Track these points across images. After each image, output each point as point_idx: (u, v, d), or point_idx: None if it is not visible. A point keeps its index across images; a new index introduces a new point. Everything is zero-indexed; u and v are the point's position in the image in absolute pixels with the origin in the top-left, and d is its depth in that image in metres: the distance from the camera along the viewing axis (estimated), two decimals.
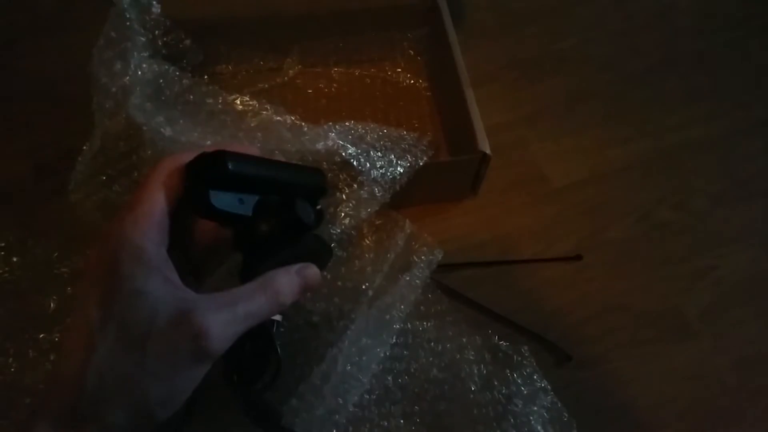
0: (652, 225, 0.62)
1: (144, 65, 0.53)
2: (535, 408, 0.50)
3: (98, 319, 0.28)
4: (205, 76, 0.69)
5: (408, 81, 0.70)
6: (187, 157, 0.33)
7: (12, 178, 0.63)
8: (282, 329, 0.40)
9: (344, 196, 0.51)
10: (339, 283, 0.55)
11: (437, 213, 0.62)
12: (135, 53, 0.53)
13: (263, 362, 0.40)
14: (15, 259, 0.57)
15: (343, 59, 0.71)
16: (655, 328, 0.56)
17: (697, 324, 0.56)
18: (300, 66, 0.71)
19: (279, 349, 0.38)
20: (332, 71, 0.71)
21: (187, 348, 0.28)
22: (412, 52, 0.71)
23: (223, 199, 0.32)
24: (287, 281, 0.34)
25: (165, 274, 0.29)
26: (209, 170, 0.31)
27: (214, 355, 0.29)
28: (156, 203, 0.31)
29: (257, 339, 0.38)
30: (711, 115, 0.70)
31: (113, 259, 0.29)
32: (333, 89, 0.70)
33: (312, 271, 0.36)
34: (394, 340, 0.52)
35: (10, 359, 0.51)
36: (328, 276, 0.55)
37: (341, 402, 0.48)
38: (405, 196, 0.54)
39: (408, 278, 0.53)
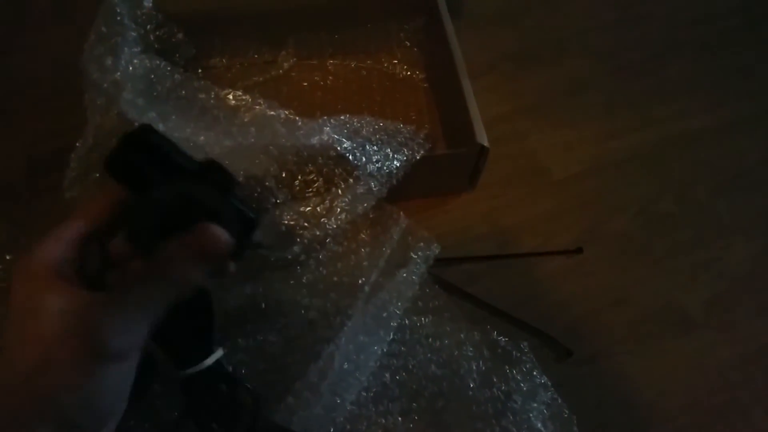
0: (652, 217, 0.61)
1: (135, 60, 0.52)
2: (535, 404, 0.50)
3: (8, 341, 0.28)
4: (199, 70, 0.68)
5: (405, 72, 0.69)
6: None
7: (5, 175, 0.62)
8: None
9: (340, 191, 0.51)
10: (335, 279, 0.54)
11: (435, 206, 0.61)
12: (126, 48, 0.52)
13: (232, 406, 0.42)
14: (8, 257, 0.56)
15: (339, 51, 0.71)
16: (657, 321, 0.55)
17: (699, 317, 0.55)
18: (295, 59, 0.70)
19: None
20: (328, 63, 0.70)
21: (87, 351, 0.28)
22: (408, 44, 0.70)
23: (137, 160, 0.33)
24: (176, 249, 0.30)
25: (60, 288, 0.29)
26: (134, 132, 0.33)
27: (116, 351, 0.29)
28: (56, 234, 0.31)
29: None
30: (711, 105, 0.69)
31: (13, 289, 0.29)
32: (329, 82, 0.69)
33: (210, 232, 0.31)
34: (391, 337, 0.51)
35: None
36: (324, 271, 0.54)
37: (339, 400, 0.47)
38: (402, 190, 0.53)
39: (405, 274, 0.52)
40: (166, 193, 0.32)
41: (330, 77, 0.69)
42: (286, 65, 0.69)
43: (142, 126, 0.34)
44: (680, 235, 0.60)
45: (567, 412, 0.49)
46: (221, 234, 0.31)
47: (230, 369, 0.49)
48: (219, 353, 0.41)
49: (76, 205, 0.33)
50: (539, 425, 0.49)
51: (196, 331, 0.41)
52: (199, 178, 0.34)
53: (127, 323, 0.29)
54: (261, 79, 0.68)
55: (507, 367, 0.51)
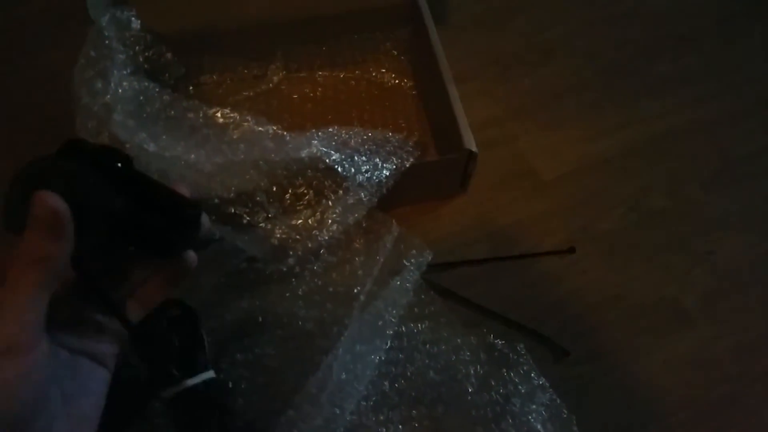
0: (644, 213, 0.61)
1: (125, 83, 0.53)
2: (534, 406, 0.50)
3: None
4: (190, 87, 0.69)
5: (393, 81, 0.70)
6: None
7: None
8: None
9: (330, 203, 0.51)
10: (330, 289, 0.55)
11: (428, 212, 0.61)
12: (115, 71, 0.53)
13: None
14: None
15: (327, 63, 0.71)
16: (653, 317, 0.55)
17: (694, 312, 0.55)
18: (284, 72, 0.71)
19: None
20: (316, 75, 0.71)
21: None
22: (395, 52, 0.71)
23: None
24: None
25: None
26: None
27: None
28: None
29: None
30: (699, 100, 0.70)
31: None
32: (318, 93, 0.69)
33: (41, 197, 0.27)
34: (387, 345, 0.51)
35: None
36: (319, 282, 0.55)
37: (338, 411, 0.48)
38: (394, 197, 0.54)
39: (398, 282, 0.52)
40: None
41: (319, 89, 0.70)
42: (275, 78, 0.70)
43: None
44: (672, 230, 0.60)
45: (566, 412, 0.49)
46: (48, 198, 0.27)
47: (230, 385, 0.50)
48: (208, 374, 0.41)
49: None
50: (539, 427, 0.49)
51: (182, 350, 0.41)
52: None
53: (15, 308, 0.27)
54: (251, 93, 0.69)
55: (504, 370, 0.51)
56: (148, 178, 0.32)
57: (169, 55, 0.63)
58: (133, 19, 0.60)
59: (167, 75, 0.63)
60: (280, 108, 0.68)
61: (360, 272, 0.55)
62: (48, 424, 0.28)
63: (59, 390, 0.29)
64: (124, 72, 0.55)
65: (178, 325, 0.43)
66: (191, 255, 0.35)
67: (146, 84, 0.54)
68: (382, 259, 0.53)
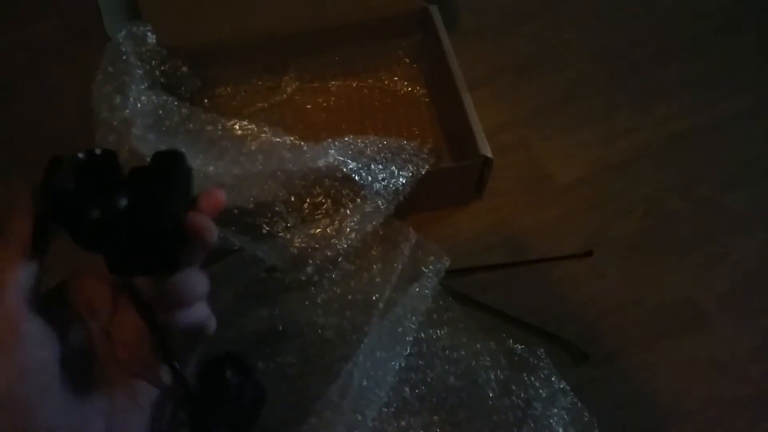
0: (661, 215, 0.61)
1: (143, 97, 0.54)
2: (555, 410, 0.50)
3: None
4: (205, 100, 0.70)
5: (406, 89, 0.70)
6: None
7: None
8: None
9: (348, 212, 0.52)
10: (349, 297, 0.55)
11: (444, 218, 0.62)
12: (133, 86, 0.54)
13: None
14: None
15: (340, 72, 0.72)
16: (672, 319, 0.55)
17: (714, 313, 0.55)
18: (298, 83, 0.71)
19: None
20: (330, 85, 0.71)
21: None
22: (407, 60, 0.72)
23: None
24: None
25: None
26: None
27: None
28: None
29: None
30: (712, 100, 0.69)
31: None
32: (331, 103, 0.70)
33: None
34: (408, 351, 0.52)
35: None
36: (338, 290, 0.55)
37: (360, 418, 0.48)
38: (410, 205, 0.54)
39: (417, 288, 0.53)
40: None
41: (332, 98, 0.70)
42: (289, 89, 0.70)
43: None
44: (689, 231, 0.60)
45: (587, 415, 0.49)
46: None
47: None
48: None
49: None
50: (561, 430, 0.49)
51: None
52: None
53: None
54: (265, 104, 0.70)
55: (525, 374, 0.52)
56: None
57: (184, 69, 0.63)
58: (149, 33, 0.60)
59: (183, 88, 0.64)
60: (294, 118, 0.69)
61: (378, 280, 0.56)
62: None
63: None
64: (142, 86, 0.55)
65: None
66: (187, 277, 0.30)
67: (165, 98, 0.54)
68: (400, 266, 0.54)
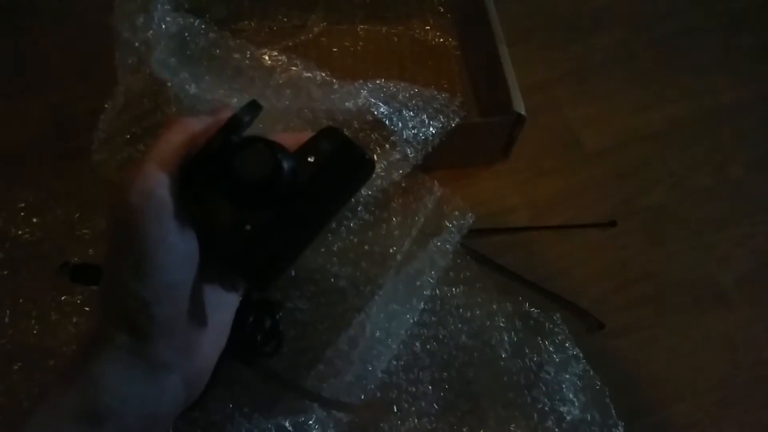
0: (687, 191, 0.60)
1: (168, 18, 0.51)
2: (567, 376, 0.49)
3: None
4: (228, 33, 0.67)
5: (437, 39, 0.67)
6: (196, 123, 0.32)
7: (32, 138, 0.61)
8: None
9: (376, 157, 0.50)
10: (366, 248, 0.54)
11: (467, 176, 0.60)
12: (158, 5, 0.51)
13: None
14: (35, 220, 0.56)
15: (370, 16, 0.69)
16: (690, 296, 0.54)
17: (732, 292, 0.55)
18: (325, 23, 0.68)
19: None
20: (358, 29, 0.68)
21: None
22: (441, 9, 0.69)
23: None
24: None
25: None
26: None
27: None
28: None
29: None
30: (748, 78, 0.67)
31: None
32: (359, 48, 0.67)
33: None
34: (423, 306, 0.51)
35: (33, 321, 0.51)
36: (355, 240, 0.54)
37: (369, 368, 0.47)
38: (435, 158, 0.52)
39: (438, 243, 0.51)
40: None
41: (360, 43, 0.67)
42: (315, 30, 0.67)
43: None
44: (715, 209, 0.59)
45: (599, 383, 0.49)
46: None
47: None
48: None
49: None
50: (571, 396, 0.49)
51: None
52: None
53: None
54: (290, 43, 0.66)
55: (539, 338, 0.51)
56: None
57: None
58: None
59: (208, 16, 0.61)
60: (319, 61, 0.64)
61: (396, 233, 0.54)
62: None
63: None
64: (167, 7, 0.53)
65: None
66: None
67: (191, 20, 0.52)
68: (422, 219, 0.52)
